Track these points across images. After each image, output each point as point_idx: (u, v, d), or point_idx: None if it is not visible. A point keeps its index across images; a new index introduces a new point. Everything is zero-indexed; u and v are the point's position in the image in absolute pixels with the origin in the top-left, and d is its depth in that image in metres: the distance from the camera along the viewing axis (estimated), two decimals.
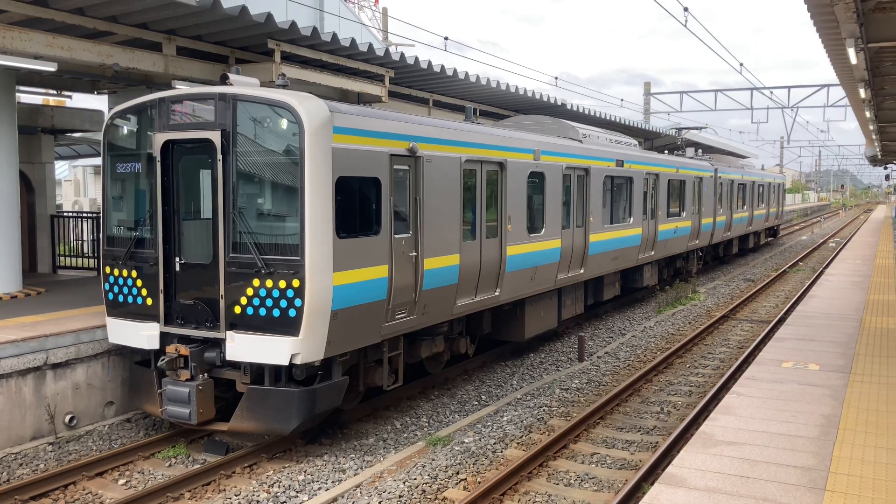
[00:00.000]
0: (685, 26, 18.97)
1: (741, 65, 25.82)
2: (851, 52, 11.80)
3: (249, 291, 8.91)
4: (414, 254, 10.36)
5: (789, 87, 39.39)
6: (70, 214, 19.33)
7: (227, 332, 9.02)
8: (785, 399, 8.87)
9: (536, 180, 13.93)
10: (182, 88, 10.59)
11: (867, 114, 21.90)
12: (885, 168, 67.62)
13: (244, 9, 10.89)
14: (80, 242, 18.08)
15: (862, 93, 16.33)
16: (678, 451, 7.59)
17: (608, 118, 24.87)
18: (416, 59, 15.08)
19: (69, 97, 19.34)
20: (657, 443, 9.93)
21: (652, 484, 6.60)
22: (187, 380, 9.15)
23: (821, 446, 7.33)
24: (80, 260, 17.69)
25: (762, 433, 7.72)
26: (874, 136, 32.98)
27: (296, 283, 8.67)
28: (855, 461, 6.93)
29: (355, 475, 8.83)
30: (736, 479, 6.58)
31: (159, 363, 9.26)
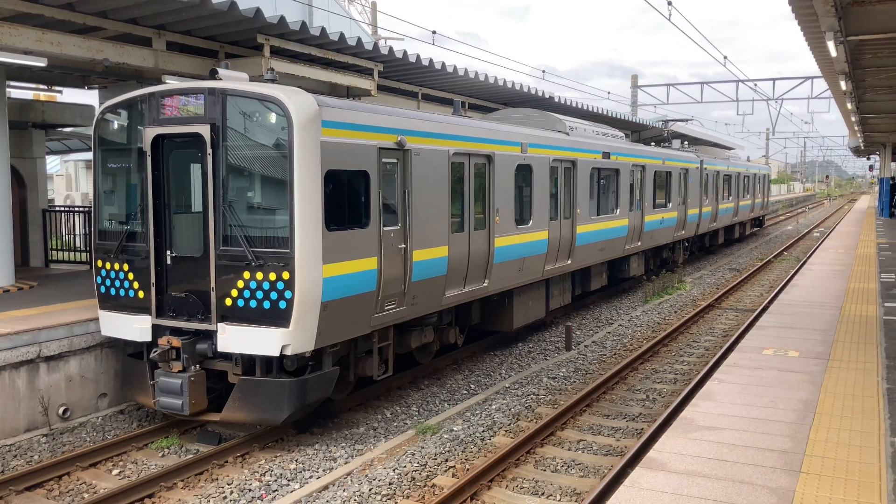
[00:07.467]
0: (669, 20, 19.14)
1: (725, 58, 26.04)
2: (831, 45, 12.03)
3: (240, 284, 9.03)
4: (403, 246, 10.51)
5: (774, 80, 39.67)
6: (62, 209, 19.34)
7: (219, 324, 9.14)
8: (765, 385, 9.08)
9: (524, 173, 14.09)
10: (172, 83, 10.67)
11: (849, 105, 22.20)
12: (868, 159, 68.15)
13: (233, 4, 10.99)
14: (71, 236, 18.12)
15: (843, 85, 16.59)
16: (660, 437, 7.79)
17: (595, 111, 25.04)
18: (405, 52, 15.19)
19: (60, 92, 19.36)
20: (642, 429, 10.14)
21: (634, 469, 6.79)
22: (179, 371, 9.27)
23: (798, 430, 7.55)
24: (72, 254, 17.73)
25: (741, 418, 7.94)
26: (856, 128, 33.36)
27: (286, 275, 8.80)
28: (830, 444, 7.15)
29: (346, 463, 8.99)
30: (715, 462, 6.79)
31: (151, 355, 9.38)
